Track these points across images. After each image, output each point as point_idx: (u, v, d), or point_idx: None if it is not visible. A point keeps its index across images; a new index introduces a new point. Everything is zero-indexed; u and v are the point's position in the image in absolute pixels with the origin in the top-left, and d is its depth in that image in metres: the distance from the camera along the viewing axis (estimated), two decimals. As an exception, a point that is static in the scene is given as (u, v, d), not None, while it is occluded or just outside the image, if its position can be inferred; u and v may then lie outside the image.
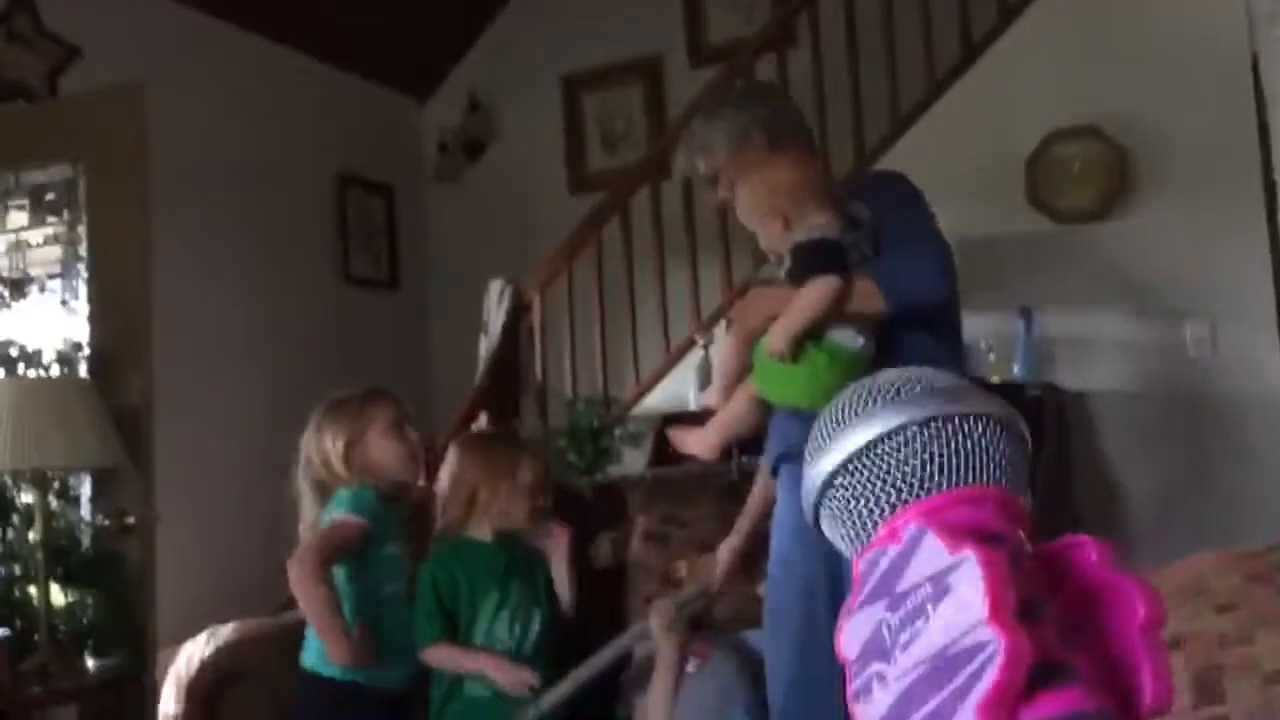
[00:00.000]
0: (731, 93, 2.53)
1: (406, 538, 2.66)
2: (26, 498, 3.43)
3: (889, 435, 1.09)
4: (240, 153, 4.84)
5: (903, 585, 0.99)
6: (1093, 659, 1.01)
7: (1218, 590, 1.36)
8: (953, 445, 1.09)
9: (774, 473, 2.34)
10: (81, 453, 3.31)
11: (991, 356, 3.93)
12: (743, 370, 2.26)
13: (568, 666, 2.62)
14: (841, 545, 1.14)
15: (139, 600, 3.56)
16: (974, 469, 1.08)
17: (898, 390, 1.12)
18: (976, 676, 0.90)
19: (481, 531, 2.66)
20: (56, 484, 3.49)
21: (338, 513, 2.52)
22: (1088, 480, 3.94)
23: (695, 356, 4.38)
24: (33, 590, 3.32)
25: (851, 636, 1.03)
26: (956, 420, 1.09)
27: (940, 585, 0.95)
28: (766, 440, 2.37)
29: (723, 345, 2.44)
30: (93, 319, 3.70)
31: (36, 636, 3.25)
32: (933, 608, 0.95)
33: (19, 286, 3.89)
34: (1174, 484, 3.83)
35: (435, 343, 5.81)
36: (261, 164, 4.95)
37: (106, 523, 3.50)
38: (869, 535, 1.10)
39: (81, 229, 3.75)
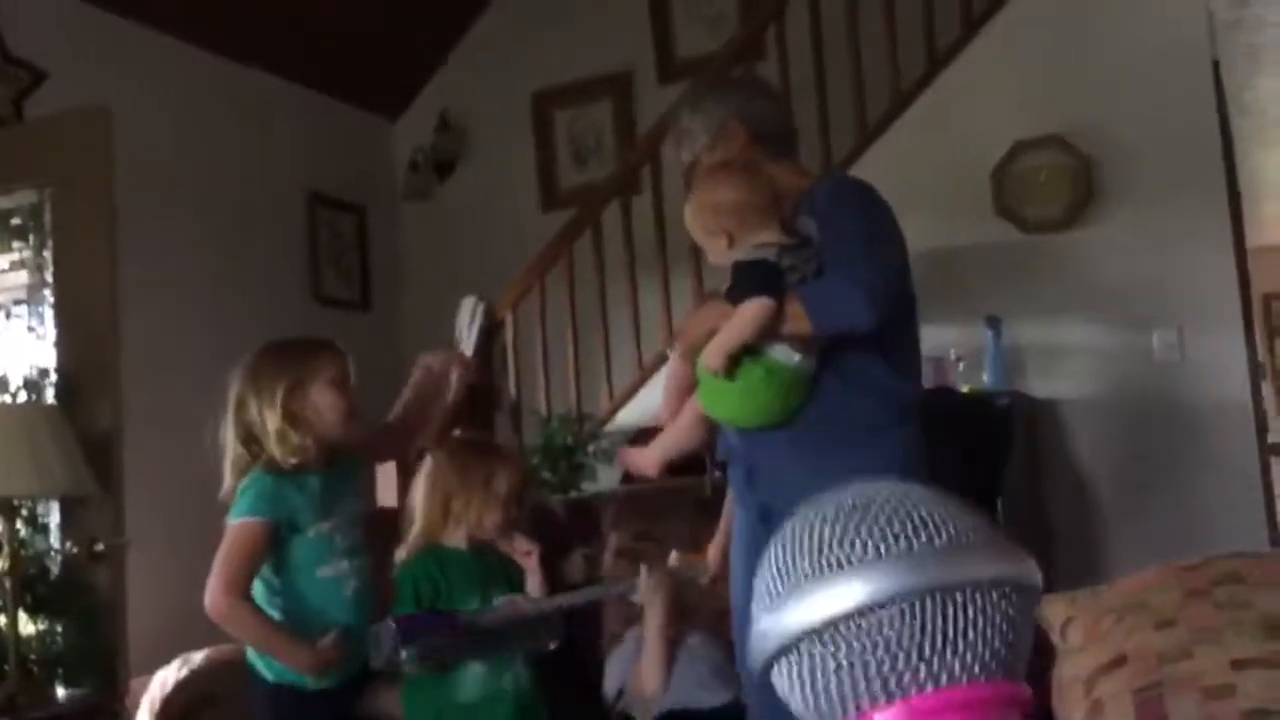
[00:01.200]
0: (717, 81, 2.55)
1: (354, 496, 2.55)
2: (-5, 526, 3.40)
3: (876, 606, 0.87)
4: (209, 174, 4.82)
5: None
6: None
7: (1159, 606, 1.36)
8: (958, 624, 0.87)
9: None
10: (50, 480, 3.28)
11: (961, 366, 3.95)
12: (687, 385, 2.29)
13: (547, 674, 2.60)
14: (801, 712, 0.93)
15: (109, 628, 3.53)
16: (979, 654, 0.87)
17: (893, 537, 0.89)
18: None
19: (456, 539, 2.62)
20: (25, 511, 3.47)
21: (235, 518, 2.37)
22: (1058, 487, 3.96)
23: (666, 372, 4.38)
24: (1, 619, 3.29)
25: None
26: (966, 592, 0.88)
27: None
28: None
29: (671, 362, 2.45)
30: (59, 344, 3.68)
31: (6, 666, 3.22)
32: None
33: (-15, 313, 3.87)
34: (1143, 490, 3.85)
35: (407, 362, 5.75)
36: (231, 184, 4.93)
37: (75, 550, 3.48)
38: (836, 717, 0.90)
39: (47, 254, 3.73)
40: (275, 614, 2.41)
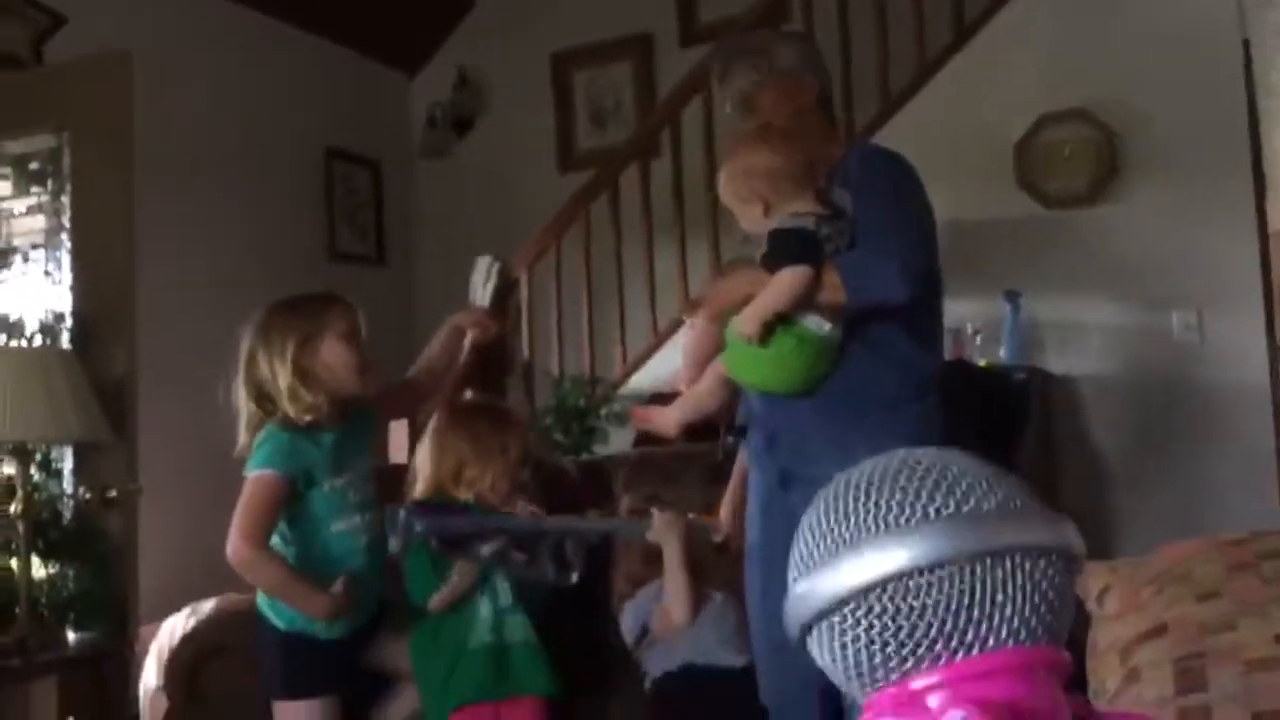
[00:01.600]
0: (789, 33, 2.52)
1: (367, 451, 2.56)
2: (7, 469, 3.41)
3: (925, 569, 0.85)
4: (226, 124, 4.80)
5: None
6: None
7: (1201, 578, 1.35)
8: (1007, 589, 0.86)
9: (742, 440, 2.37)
10: (63, 425, 3.28)
11: (978, 340, 3.93)
12: (712, 350, 2.28)
13: (555, 624, 2.61)
14: (837, 678, 0.91)
15: (120, 574, 3.55)
16: (1024, 619, 0.86)
17: (938, 503, 0.87)
18: None
19: (465, 499, 2.63)
20: (38, 456, 3.47)
21: (253, 470, 2.39)
22: (1072, 464, 3.95)
23: (682, 337, 4.37)
24: (14, 563, 3.30)
25: None
26: (1015, 558, 0.86)
27: None
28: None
29: (693, 328, 2.44)
30: (75, 289, 3.67)
31: (17, 609, 3.23)
32: None
33: (2, 256, 3.86)
34: (1159, 469, 3.84)
35: (421, 319, 5.77)
36: (248, 136, 4.91)
37: (88, 496, 3.48)
38: (877, 681, 0.89)
39: (65, 199, 3.72)
40: (300, 550, 2.43)
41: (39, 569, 3.37)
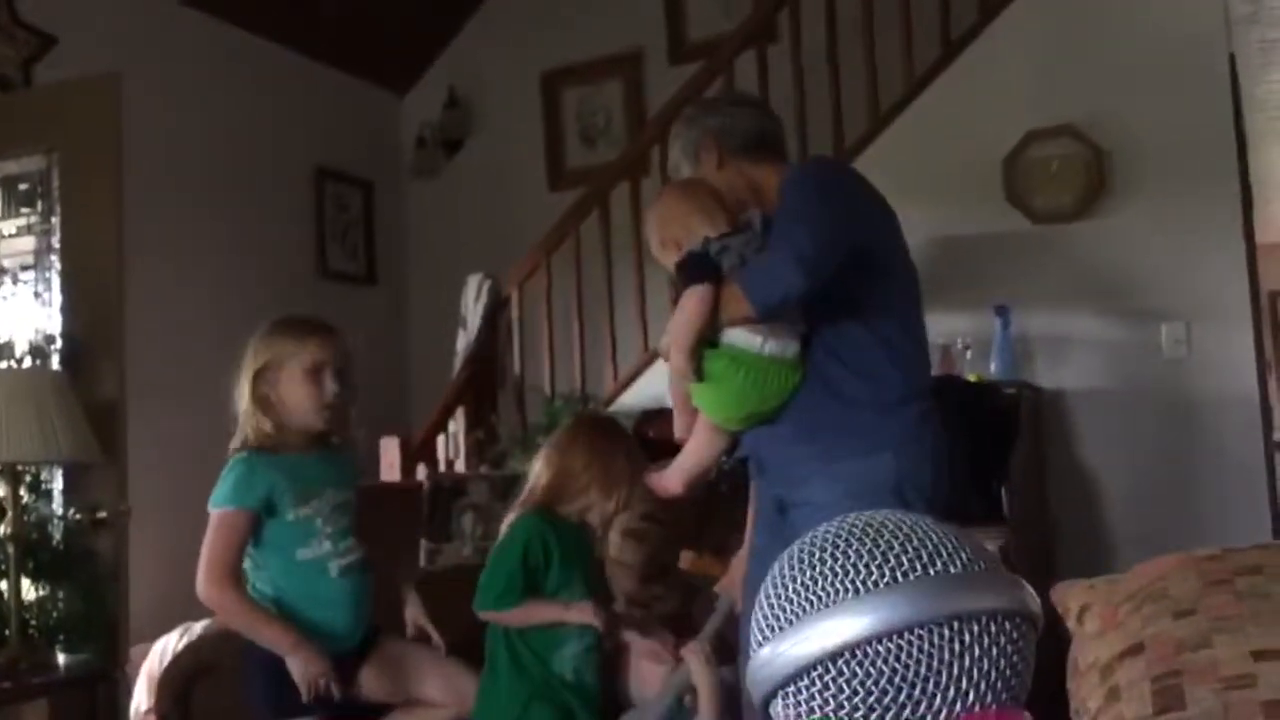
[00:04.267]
0: (689, 108, 2.56)
1: (341, 484, 2.55)
2: (-2, 491, 3.40)
3: (890, 635, 0.85)
4: (217, 144, 4.81)
5: None
6: None
7: (1178, 595, 1.35)
8: (973, 653, 0.85)
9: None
10: (54, 446, 3.27)
11: (968, 354, 3.94)
12: (685, 395, 2.27)
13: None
14: None
15: (111, 595, 3.54)
16: (990, 683, 0.86)
17: (904, 566, 0.87)
18: None
19: (569, 514, 2.63)
20: (28, 477, 3.46)
21: (213, 506, 2.43)
22: (1062, 478, 3.96)
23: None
24: (3, 585, 3.29)
25: None
26: (980, 621, 0.86)
27: None
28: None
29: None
30: (65, 310, 3.66)
31: (7, 632, 3.22)
32: None
33: (-9, 278, 3.86)
34: (1149, 483, 3.84)
35: (413, 338, 5.79)
36: (239, 156, 4.92)
37: (78, 517, 3.47)
38: None
39: (55, 220, 3.72)
40: (266, 589, 2.46)
41: (29, 591, 3.35)
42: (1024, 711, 0.88)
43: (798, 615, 0.87)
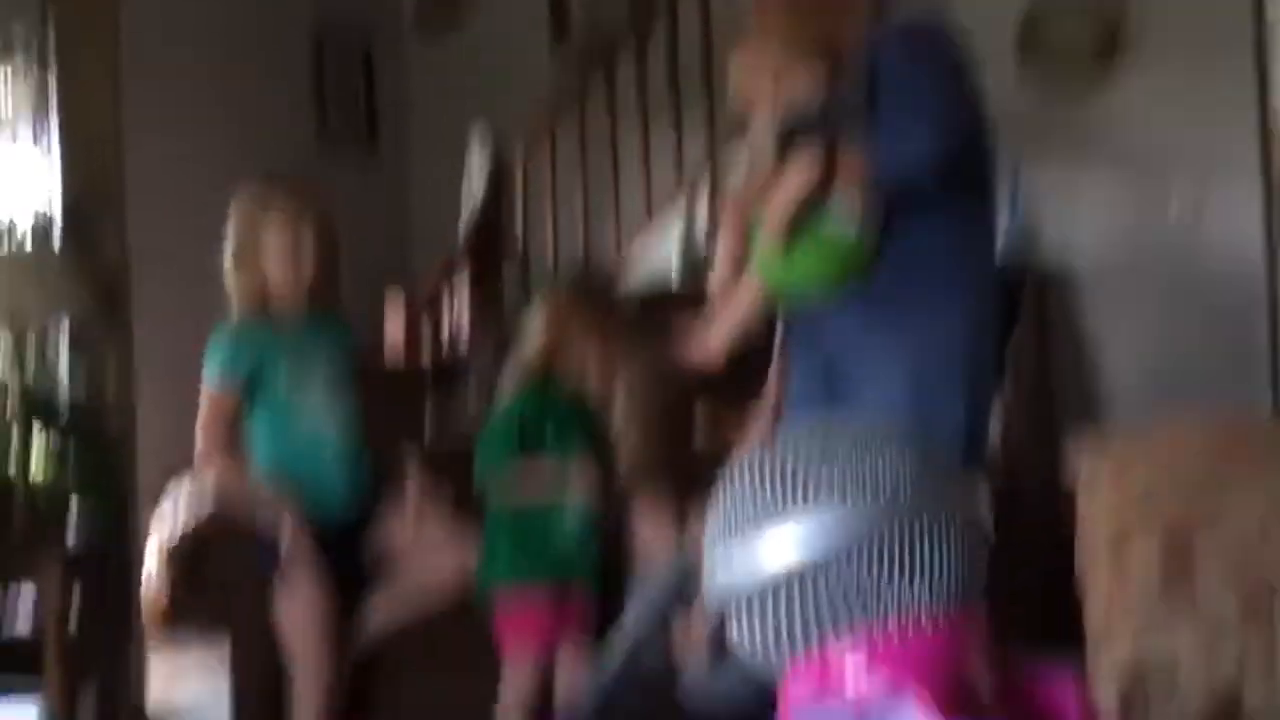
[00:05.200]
0: None
1: (331, 356, 2.59)
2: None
3: (849, 551, 0.86)
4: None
5: None
6: None
7: (1188, 462, 1.37)
8: (928, 555, 0.86)
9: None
10: (58, 305, 3.28)
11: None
12: (740, 258, 2.21)
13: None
14: (755, 653, 0.91)
15: (120, 455, 3.58)
16: (945, 583, 0.87)
17: (866, 475, 0.87)
18: None
19: (565, 381, 2.65)
20: (34, 337, 3.46)
21: (205, 383, 2.51)
22: (1067, 356, 3.96)
23: (677, 230, 4.35)
24: (12, 446, 3.31)
25: None
26: (936, 525, 0.87)
27: None
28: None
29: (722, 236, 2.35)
30: (64, 167, 3.62)
31: (18, 499, 3.25)
32: None
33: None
34: (1153, 359, 3.85)
35: (415, 201, 5.73)
36: (236, 12, 4.81)
37: (86, 377, 3.48)
38: (794, 652, 0.89)
39: (52, 78, 3.65)
40: (265, 460, 2.55)
41: (39, 451, 3.38)
42: (979, 609, 0.90)
43: (755, 527, 0.87)
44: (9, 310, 3.22)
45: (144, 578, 3.89)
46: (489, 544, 2.62)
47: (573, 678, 2.62)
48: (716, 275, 2.30)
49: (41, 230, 3.61)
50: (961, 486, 0.91)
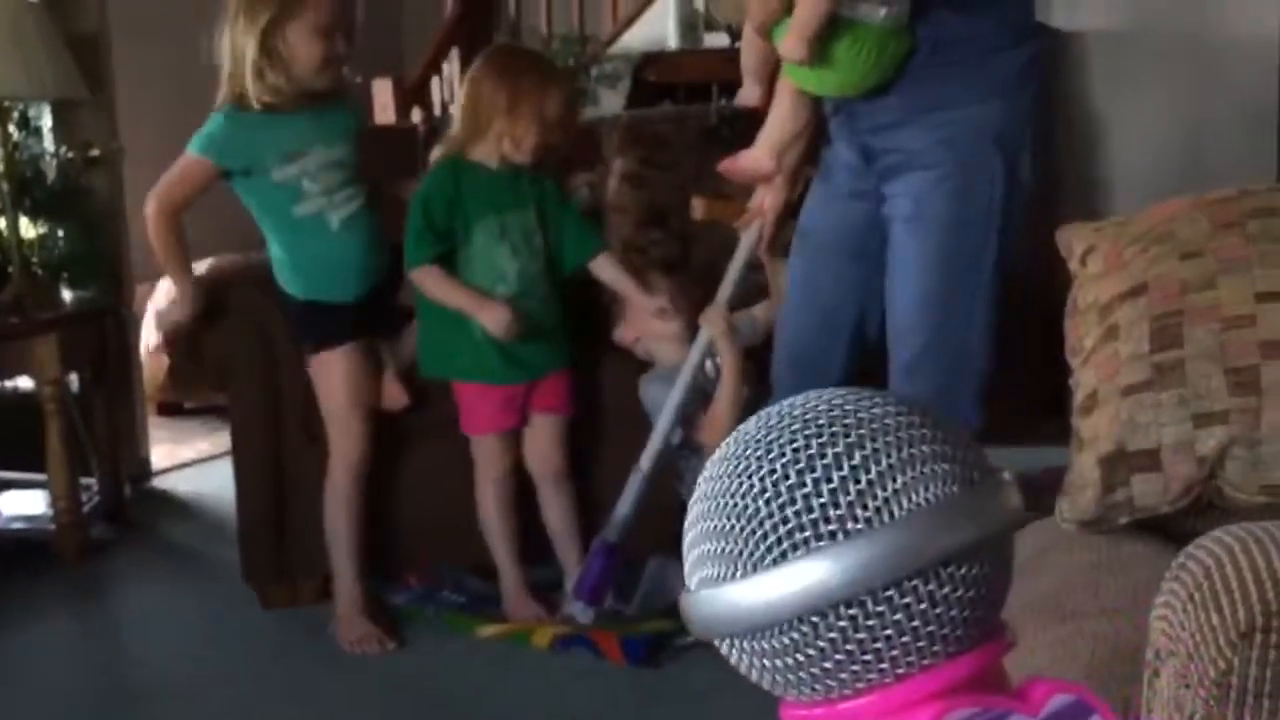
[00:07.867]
0: None
1: (336, 142, 2.59)
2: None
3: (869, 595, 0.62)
4: None
5: None
6: None
7: (1186, 237, 1.34)
8: (946, 602, 0.64)
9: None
10: (39, 81, 3.20)
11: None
12: (770, 60, 2.13)
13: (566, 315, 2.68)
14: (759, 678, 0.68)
15: (110, 233, 3.55)
16: (965, 625, 0.65)
17: (899, 501, 0.63)
18: None
19: (484, 155, 2.56)
20: (16, 114, 3.38)
21: (189, 149, 2.52)
22: (1072, 123, 3.88)
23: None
24: (1, 222, 3.28)
25: None
26: (951, 566, 0.64)
27: None
28: None
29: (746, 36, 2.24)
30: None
31: (10, 268, 3.24)
32: None
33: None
34: (1160, 126, 3.77)
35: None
36: None
37: (71, 155, 3.42)
38: (800, 695, 0.67)
39: None
40: (277, 250, 2.60)
41: (27, 230, 3.35)
42: (1000, 631, 0.68)
43: (756, 561, 0.65)
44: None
45: (143, 347, 3.93)
46: (426, 335, 2.65)
47: (544, 447, 2.66)
48: (745, 86, 2.24)
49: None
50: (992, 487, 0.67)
